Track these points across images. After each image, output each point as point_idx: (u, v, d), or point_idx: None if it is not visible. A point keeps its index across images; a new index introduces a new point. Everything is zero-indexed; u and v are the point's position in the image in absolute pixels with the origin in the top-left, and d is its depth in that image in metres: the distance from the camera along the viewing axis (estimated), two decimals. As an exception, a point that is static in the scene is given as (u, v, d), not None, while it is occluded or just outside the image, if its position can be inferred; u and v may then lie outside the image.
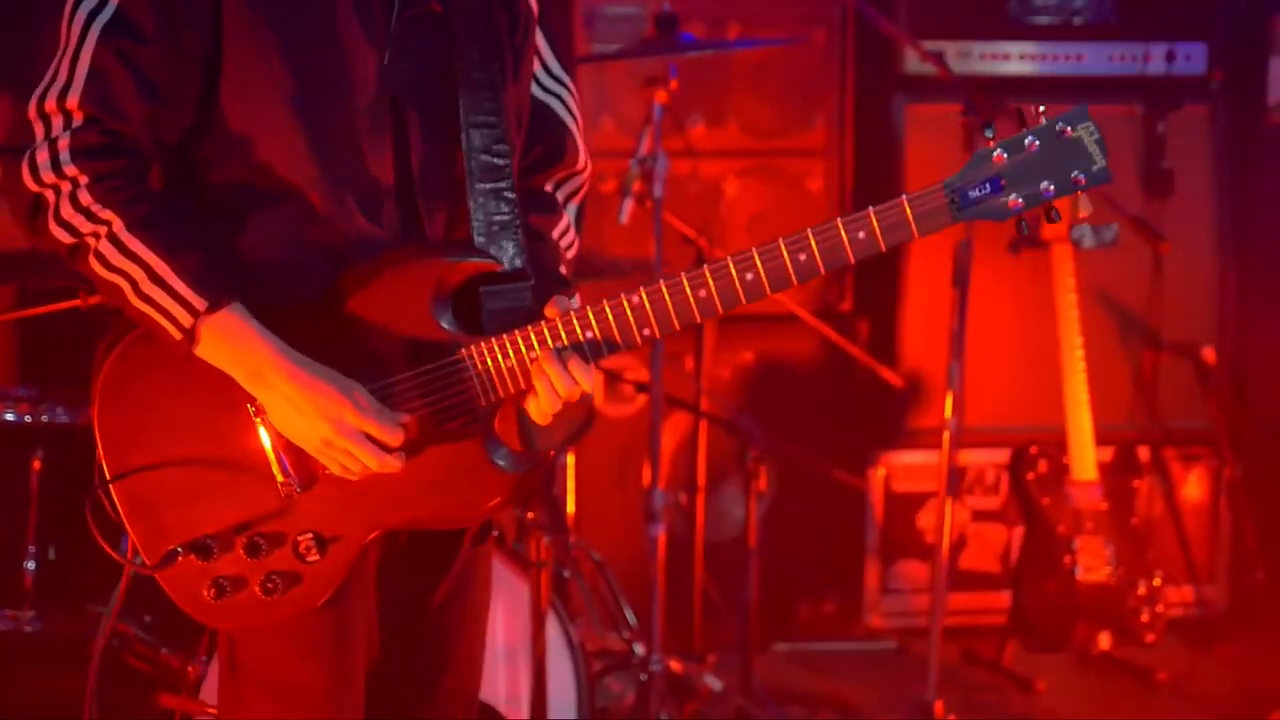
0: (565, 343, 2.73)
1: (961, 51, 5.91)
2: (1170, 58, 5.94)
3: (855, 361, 5.60)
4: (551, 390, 2.72)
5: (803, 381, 5.95)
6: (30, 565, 4.28)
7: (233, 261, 2.72)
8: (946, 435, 5.00)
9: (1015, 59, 5.95)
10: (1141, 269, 5.96)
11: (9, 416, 4.27)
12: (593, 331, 2.73)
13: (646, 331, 2.73)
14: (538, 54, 2.96)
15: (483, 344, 2.74)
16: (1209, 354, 5.97)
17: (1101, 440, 5.52)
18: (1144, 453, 5.77)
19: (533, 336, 2.73)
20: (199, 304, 2.65)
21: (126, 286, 2.66)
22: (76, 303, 4.00)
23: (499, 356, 2.74)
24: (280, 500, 2.74)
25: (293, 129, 2.72)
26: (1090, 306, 5.67)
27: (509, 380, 2.74)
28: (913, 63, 5.84)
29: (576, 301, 2.78)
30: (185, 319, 2.66)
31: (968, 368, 5.04)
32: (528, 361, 2.73)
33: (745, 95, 5.91)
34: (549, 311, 2.74)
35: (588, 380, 2.73)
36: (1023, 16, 5.97)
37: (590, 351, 2.74)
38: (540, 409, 2.75)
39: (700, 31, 5.69)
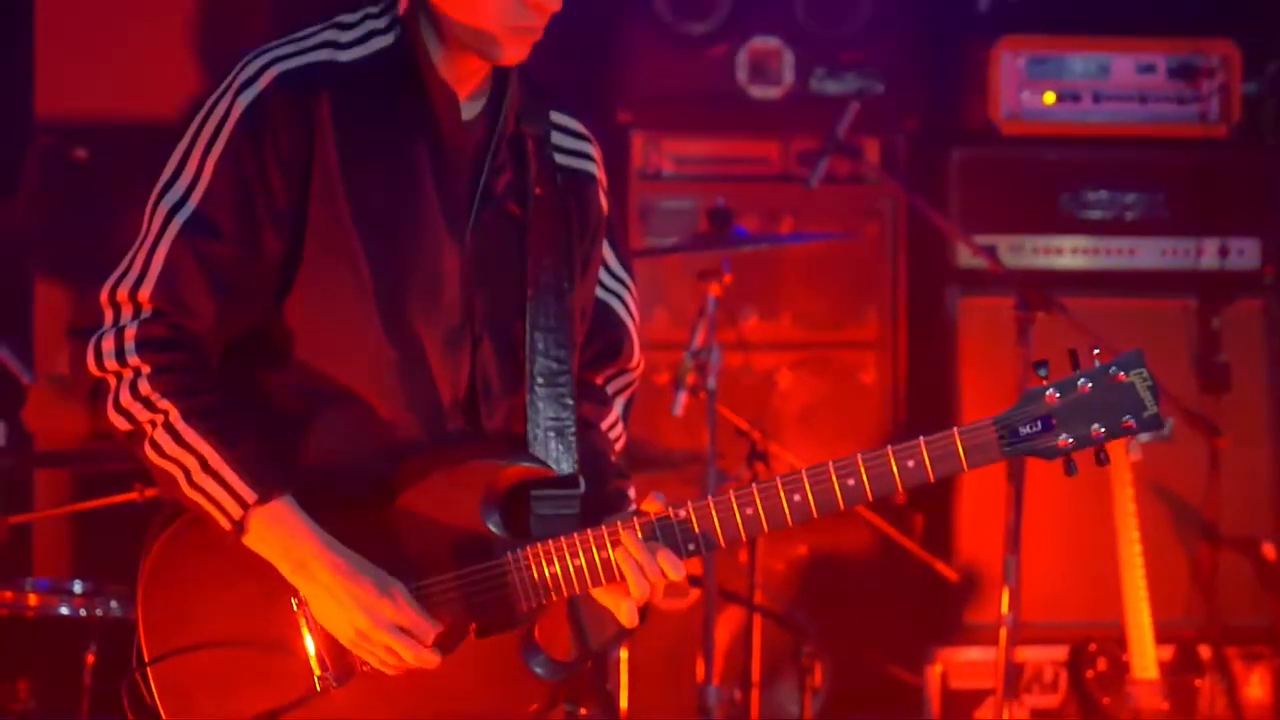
0: (642, 538, 2.73)
1: (1014, 245, 5.93)
2: (1224, 252, 5.95)
3: (911, 555, 5.55)
4: (642, 580, 2.71)
5: (857, 575, 5.90)
6: (83, 759, 4.26)
7: (287, 456, 2.74)
8: (1003, 631, 4.94)
9: (1068, 253, 5.98)
10: (1198, 463, 5.91)
11: (64, 610, 4.27)
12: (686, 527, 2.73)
13: (692, 547, 2.73)
14: (602, 256, 2.99)
15: (528, 548, 2.75)
16: (1269, 550, 5.91)
17: (1160, 637, 5.45)
18: (1205, 651, 5.69)
19: (578, 543, 2.73)
20: (249, 496, 2.68)
21: (180, 475, 2.69)
22: (133, 495, 4.03)
23: (544, 562, 2.74)
24: (316, 693, 2.74)
25: (368, 335, 2.75)
26: (1147, 500, 5.61)
27: (552, 587, 2.75)
28: (965, 256, 5.87)
29: (633, 493, 2.80)
30: (235, 510, 2.69)
31: (1024, 562, 4.99)
32: (595, 558, 2.73)
33: (798, 287, 5.94)
34: (646, 507, 2.75)
35: (677, 571, 2.73)
36: (1075, 211, 6.00)
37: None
38: (628, 609, 2.74)
39: (753, 225, 5.74)
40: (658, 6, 5.82)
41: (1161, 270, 5.98)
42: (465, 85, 2.81)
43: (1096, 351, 2.70)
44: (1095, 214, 6.00)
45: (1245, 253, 5.97)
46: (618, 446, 3.02)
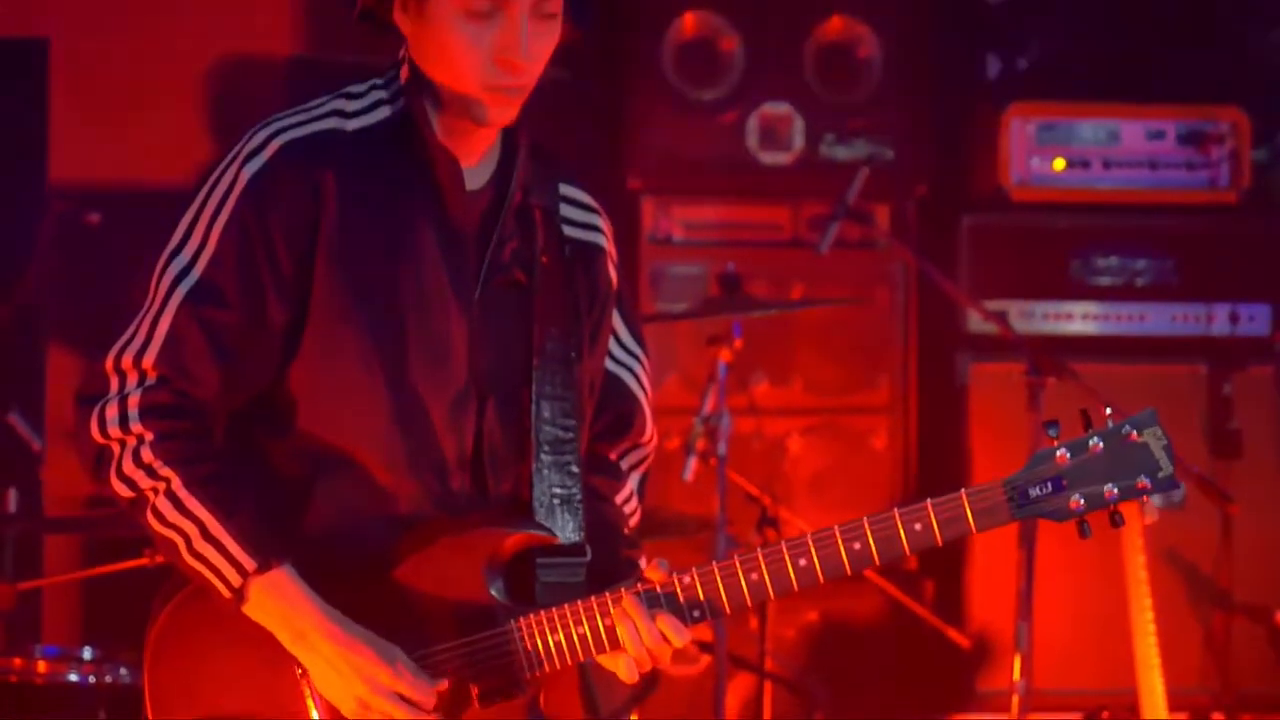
0: (645, 604, 2.71)
1: (1024, 311, 5.93)
2: (1234, 319, 5.95)
3: (922, 621, 5.53)
4: (639, 644, 2.70)
5: (869, 642, 5.88)
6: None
7: (289, 524, 2.74)
8: (1015, 699, 4.92)
9: (1078, 319, 5.98)
10: (1211, 530, 5.89)
11: (73, 677, 4.25)
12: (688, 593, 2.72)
13: (697, 613, 2.72)
14: (612, 329, 2.98)
15: (533, 616, 2.74)
16: (1282, 617, 5.89)
17: (1174, 705, 5.41)
18: (1218, 718, 5.65)
19: (581, 611, 2.72)
20: (249, 564, 2.67)
21: (180, 542, 2.68)
22: (142, 561, 4.03)
23: (547, 631, 2.73)
24: None
25: (371, 401, 2.75)
26: (1159, 567, 5.59)
27: (556, 655, 2.73)
28: (976, 321, 5.87)
29: (644, 563, 2.78)
30: (235, 578, 2.68)
31: (1036, 628, 4.97)
32: (599, 625, 2.71)
33: (809, 353, 5.94)
34: (649, 574, 2.73)
35: (680, 637, 2.71)
36: (1085, 277, 6.00)
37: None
38: (626, 666, 2.72)
39: (764, 291, 5.74)
40: (668, 73, 5.85)
41: (1172, 336, 5.98)
42: (471, 153, 2.81)
43: (1109, 411, 2.65)
44: (1106, 280, 6.00)
45: (1256, 319, 5.97)
46: (632, 521, 3.00)
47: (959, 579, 5.88)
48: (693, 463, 5.08)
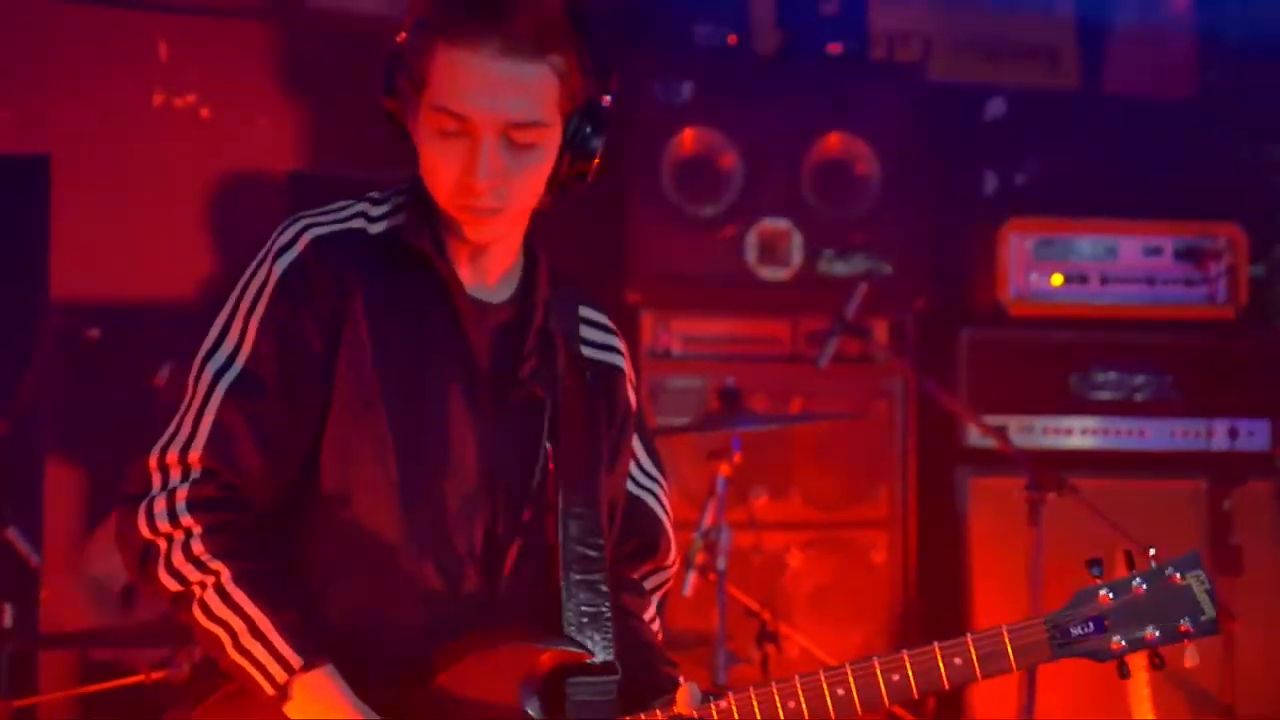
0: None
1: (1023, 426, 5.93)
2: (1234, 434, 5.95)
3: (923, 739, 5.49)
4: None
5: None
6: None
7: (320, 622, 2.74)
8: (1018, 818, 4.87)
9: (1078, 434, 5.98)
10: (1213, 646, 5.86)
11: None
12: None
13: None
14: (632, 451, 3.00)
15: None
16: (1286, 734, 5.85)
17: (1179, 822, 5.37)
18: (1225, 837, 5.60)
19: None
20: (295, 662, 2.67)
21: (226, 638, 2.69)
22: (139, 678, 4.00)
23: None
24: None
25: (384, 501, 2.76)
26: (1161, 683, 5.55)
27: None
28: (975, 436, 5.87)
29: (681, 681, 2.78)
30: (280, 675, 2.68)
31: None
32: None
33: (808, 467, 5.93)
34: (681, 700, 2.72)
35: None
36: (1084, 392, 6.01)
37: None
38: None
39: (763, 405, 5.75)
40: (667, 188, 5.88)
41: (1172, 451, 5.98)
42: (488, 271, 2.85)
43: (1153, 552, 2.65)
44: (1105, 395, 6.01)
45: (1256, 434, 5.97)
46: (658, 642, 3.00)
47: (959, 697, 5.84)
48: (692, 577, 5.06)
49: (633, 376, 3.01)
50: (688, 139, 5.90)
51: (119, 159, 5.83)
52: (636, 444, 3.01)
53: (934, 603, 5.95)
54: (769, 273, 5.94)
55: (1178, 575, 2.63)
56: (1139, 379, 6.02)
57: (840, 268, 5.95)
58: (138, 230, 5.79)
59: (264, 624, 2.68)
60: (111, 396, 5.28)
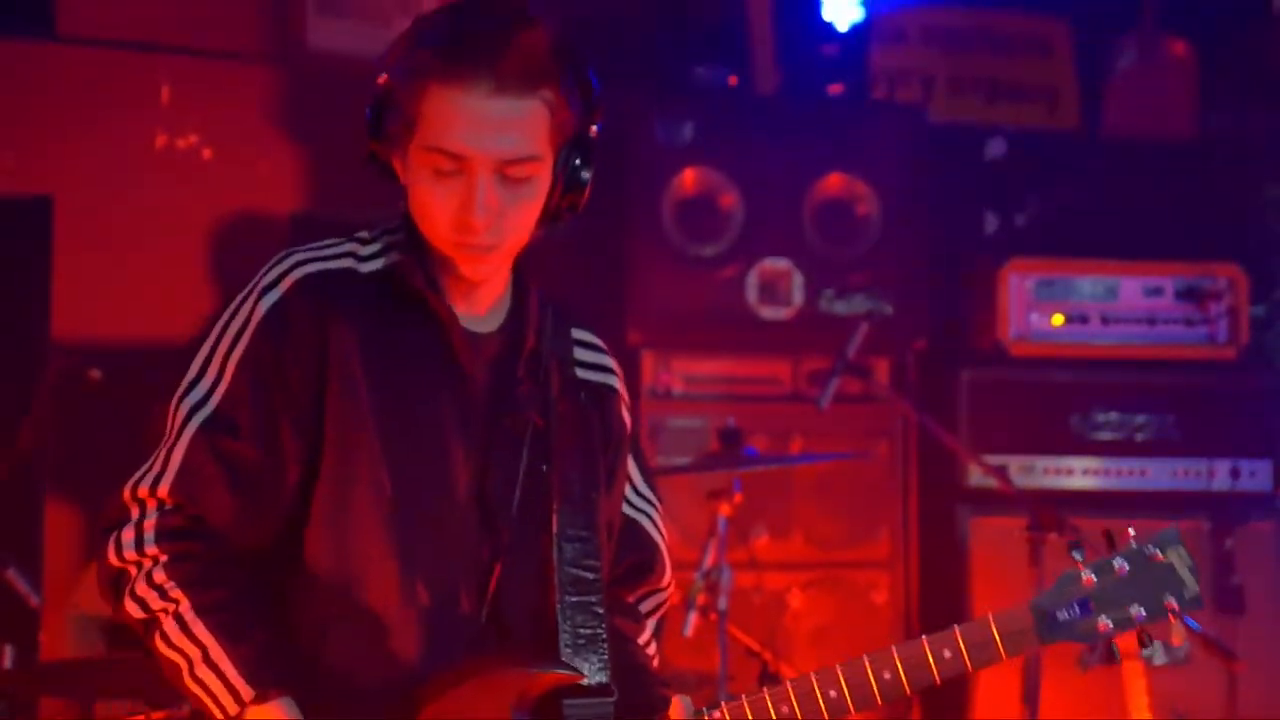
0: None
1: (1024, 466, 5.94)
2: (1235, 474, 5.95)
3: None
4: None
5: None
6: None
7: (311, 659, 2.75)
8: None
9: (1079, 474, 5.98)
10: (1215, 687, 5.86)
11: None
12: None
13: None
14: (628, 473, 3.01)
15: None
16: (1289, 774, 5.83)
17: None
18: None
19: None
20: (246, 694, 2.68)
21: (184, 666, 2.71)
22: (139, 718, 3.99)
23: None
24: None
25: (383, 539, 2.76)
26: (1164, 723, 5.56)
27: None
28: (976, 476, 5.87)
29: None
30: (231, 706, 2.69)
31: (1040, 788, 4.92)
32: None
33: (809, 507, 5.93)
34: (674, 713, 2.74)
35: None
36: (1085, 432, 6.01)
37: None
38: None
39: (763, 445, 5.75)
40: (668, 228, 5.89)
41: (1173, 491, 5.98)
42: (479, 301, 2.86)
43: (1132, 532, 2.66)
44: (1106, 435, 6.01)
45: (1257, 474, 5.97)
46: (653, 665, 3.01)
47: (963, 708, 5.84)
48: (693, 618, 5.05)
49: (627, 397, 3.01)
50: (689, 179, 5.91)
51: (121, 200, 5.84)
52: (631, 465, 3.02)
53: (936, 643, 5.93)
54: (770, 312, 5.95)
55: (1159, 553, 2.64)
56: (1140, 419, 6.02)
57: (841, 307, 5.95)
58: (140, 271, 5.79)
59: (218, 654, 2.69)
60: (113, 437, 5.27)
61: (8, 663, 4.91)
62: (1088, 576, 2.65)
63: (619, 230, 5.93)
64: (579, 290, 5.97)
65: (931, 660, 2.68)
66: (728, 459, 5.12)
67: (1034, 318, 6.03)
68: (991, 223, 6.49)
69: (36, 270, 5.59)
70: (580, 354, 2.97)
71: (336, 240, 2.88)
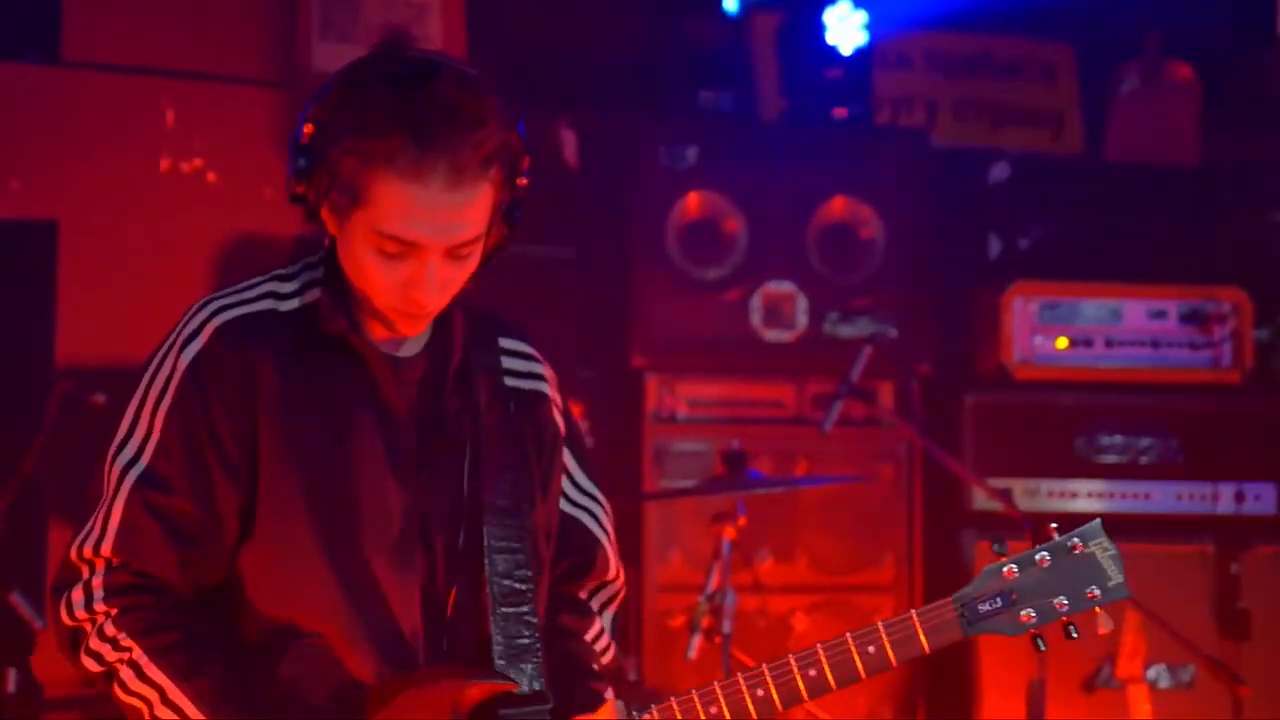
0: None
1: (1029, 489, 5.94)
2: (1240, 498, 5.95)
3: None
4: None
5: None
6: None
7: (258, 691, 2.77)
8: None
9: (1083, 497, 5.98)
10: (1220, 712, 5.83)
11: None
12: None
13: None
14: (565, 470, 3.02)
15: None
16: (1295, 800, 5.81)
17: None
18: None
19: None
20: None
21: (144, 709, 2.76)
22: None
23: None
24: None
25: (323, 576, 2.78)
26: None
27: None
28: (981, 499, 5.86)
29: (609, 695, 2.83)
30: None
31: (1045, 812, 4.91)
32: None
33: (814, 530, 5.93)
34: (603, 713, 2.77)
35: None
36: (1089, 455, 6.01)
37: None
38: None
39: (768, 468, 5.74)
40: (672, 252, 5.89)
41: (1178, 515, 5.97)
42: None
43: (1054, 525, 2.71)
44: (1110, 458, 6.01)
45: (1262, 498, 5.97)
46: (604, 659, 3.02)
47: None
48: (697, 641, 5.05)
49: (559, 401, 3.02)
50: (692, 203, 5.92)
51: (126, 223, 5.85)
52: (570, 462, 3.02)
53: (939, 667, 5.92)
54: (774, 336, 5.95)
55: (1080, 544, 2.69)
56: (1144, 442, 6.02)
57: (845, 331, 5.96)
58: (144, 295, 5.79)
59: (175, 694, 2.74)
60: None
61: (11, 687, 4.90)
62: (1009, 569, 2.70)
63: (623, 254, 5.94)
64: (583, 316, 5.99)
65: (857, 657, 2.73)
66: (732, 482, 5.12)
67: (1038, 341, 6.03)
68: (995, 246, 6.50)
69: (41, 294, 5.60)
70: (509, 363, 2.97)
71: (256, 280, 2.89)
